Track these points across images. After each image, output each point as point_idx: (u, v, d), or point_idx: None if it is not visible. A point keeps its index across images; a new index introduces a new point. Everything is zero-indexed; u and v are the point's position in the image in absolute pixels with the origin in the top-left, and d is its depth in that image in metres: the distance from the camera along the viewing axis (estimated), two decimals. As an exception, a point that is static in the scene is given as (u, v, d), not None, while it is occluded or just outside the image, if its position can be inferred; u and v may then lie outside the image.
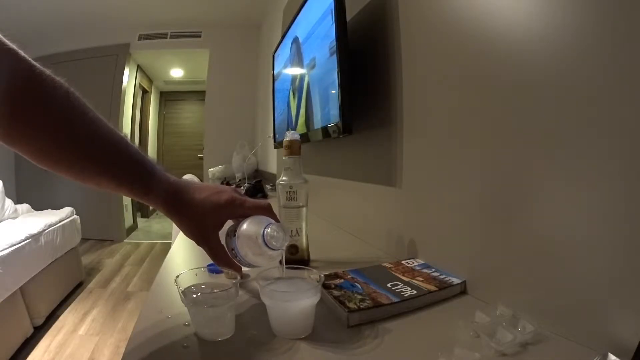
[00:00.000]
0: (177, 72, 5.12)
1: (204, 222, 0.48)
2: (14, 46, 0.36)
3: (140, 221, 4.90)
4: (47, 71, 0.38)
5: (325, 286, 0.56)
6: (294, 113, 1.31)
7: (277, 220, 0.52)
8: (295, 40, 1.27)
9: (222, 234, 0.51)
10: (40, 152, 0.39)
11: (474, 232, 0.58)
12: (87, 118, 0.41)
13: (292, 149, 0.71)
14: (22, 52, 0.36)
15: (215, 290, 0.47)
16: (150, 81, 5.24)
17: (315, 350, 0.43)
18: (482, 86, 0.56)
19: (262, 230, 0.47)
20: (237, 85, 3.85)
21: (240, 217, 0.51)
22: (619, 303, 0.37)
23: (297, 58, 1.26)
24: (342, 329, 0.48)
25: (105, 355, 1.73)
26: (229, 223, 0.53)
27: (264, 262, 0.50)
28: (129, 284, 2.71)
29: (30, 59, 0.37)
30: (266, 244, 0.47)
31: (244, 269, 0.53)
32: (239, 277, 0.48)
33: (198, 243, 0.49)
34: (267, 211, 0.52)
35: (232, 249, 0.50)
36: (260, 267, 0.51)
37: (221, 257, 0.50)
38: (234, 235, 0.50)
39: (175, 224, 0.49)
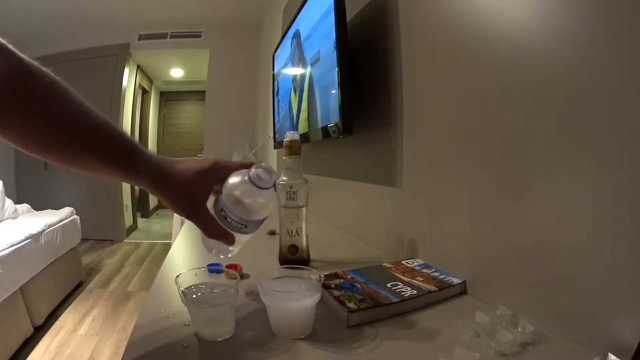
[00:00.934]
0: (177, 72, 5.12)
1: (190, 191, 0.47)
2: (4, 41, 0.37)
3: (140, 221, 4.90)
4: (35, 63, 0.40)
5: (325, 286, 0.56)
6: (295, 110, 1.31)
7: None
8: (297, 38, 1.27)
9: (209, 206, 0.48)
10: (29, 138, 0.41)
11: (474, 232, 0.58)
12: (73, 103, 0.42)
13: (292, 149, 0.71)
14: (11, 46, 0.38)
15: (215, 290, 0.47)
16: (150, 81, 5.24)
17: (315, 350, 0.43)
18: (482, 86, 0.56)
19: (247, 175, 0.45)
20: (237, 85, 3.85)
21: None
22: (618, 303, 0.37)
23: (298, 56, 1.26)
24: (342, 329, 0.48)
25: (105, 355, 1.73)
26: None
27: (257, 209, 0.46)
28: (129, 284, 2.71)
29: (18, 52, 0.39)
30: (254, 184, 0.44)
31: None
32: (238, 277, 0.48)
33: (187, 216, 0.48)
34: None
35: (222, 210, 0.46)
36: (255, 224, 0.47)
37: (212, 227, 0.47)
38: (221, 195, 0.47)
39: (163, 200, 0.47)
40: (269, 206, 0.46)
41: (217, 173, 0.48)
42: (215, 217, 0.47)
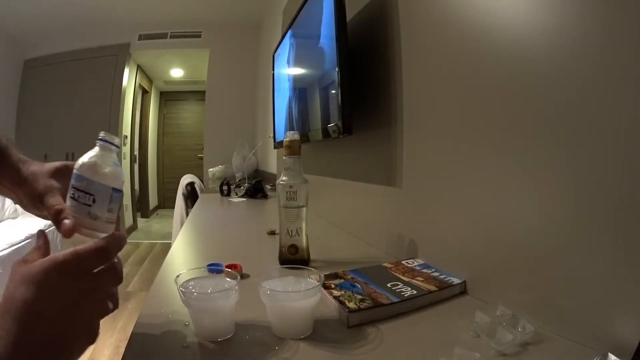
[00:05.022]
0: (177, 72, 5.12)
1: (44, 185, 0.43)
2: None
3: (140, 221, 4.89)
4: None
5: (325, 286, 0.56)
6: (295, 110, 1.31)
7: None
8: (297, 38, 1.27)
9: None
10: None
11: (474, 232, 0.58)
12: None
13: (292, 149, 0.71)
14: None
15: (215, 290, 0.47)
16: (150, 81, 5.24)
17: (315, 350, 0.43)
18: (482, 86, 0.56)
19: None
20: (237, 85, 3.85)
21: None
22: (618, 303, 0.37)
23: (298, 56, 1.26)
24: (342, 329, 0.48)
25: (105, 355, 1.73)
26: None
27: (103, 170, 0.39)
28: (129, 284, 2.71)
29: None
30: (103, 140, 0.39)
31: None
32: (239, 277, 0.48)
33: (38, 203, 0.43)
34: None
35: (71, 189, 0.39)
36: (102, 193, 0.39)
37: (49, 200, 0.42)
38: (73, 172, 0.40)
39: (19, 196, 0.45)
40: (116, 170, 0.40)
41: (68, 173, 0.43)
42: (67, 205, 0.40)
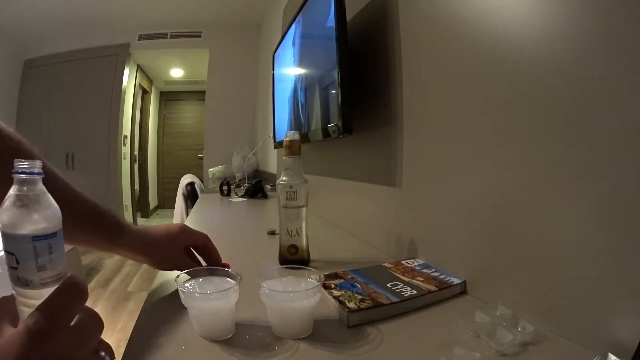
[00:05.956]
0: (177, 72, 5.12)
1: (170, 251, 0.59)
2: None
3: (140, 221, 4.90)
4: (27, 144, 0.46)
5: (325, 286, 0.56)
6: (295, 110, 1.31)
7: None
8: (297, 37, 1.27)
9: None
10: None
11: (474, 232, 0.58)
12: (58, 185, 0.49)
13: (292, 149, 0.71)
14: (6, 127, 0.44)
15: (215, 290, 0.47)
16: (150, 81, 5.24)
17: (315, 350, 0.43)
18: (482, 86, 0.56)
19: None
20: (237, 85, 3.85)
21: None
22: (618, 303, 0.37)
23: (298, 56, 1.26)
24: (342, 329, 0.48)
25: (105, 355, 1.73)
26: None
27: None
28: (129, 284, 2.72)
29: (10, 131, 0.45)
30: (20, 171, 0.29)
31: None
32: (239, 278, 0.48)
33: (172, 268, 0.60)
34: None
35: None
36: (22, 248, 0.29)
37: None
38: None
39: (146, 260, 0.58)
40: (39, 211, 0.30)
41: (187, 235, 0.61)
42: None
